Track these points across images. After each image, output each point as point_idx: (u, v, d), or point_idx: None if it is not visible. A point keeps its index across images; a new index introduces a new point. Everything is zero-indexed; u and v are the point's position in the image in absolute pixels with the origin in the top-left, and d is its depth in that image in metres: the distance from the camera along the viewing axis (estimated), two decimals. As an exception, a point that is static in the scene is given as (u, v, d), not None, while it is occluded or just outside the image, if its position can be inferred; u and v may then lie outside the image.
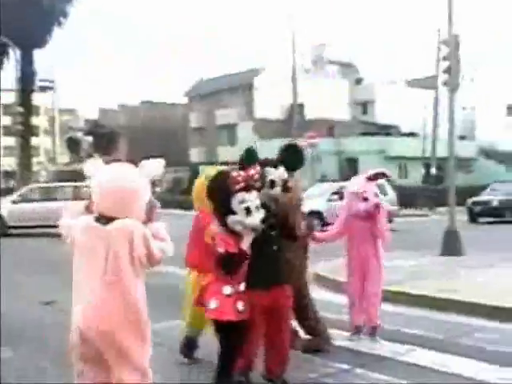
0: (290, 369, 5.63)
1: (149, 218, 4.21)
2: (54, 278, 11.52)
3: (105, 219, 4.07)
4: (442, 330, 7.66)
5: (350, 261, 7.39)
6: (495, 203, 28.60)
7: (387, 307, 8.03)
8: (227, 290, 5.02)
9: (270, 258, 5.30)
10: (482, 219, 28.26)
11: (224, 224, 5.04)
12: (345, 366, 6.19)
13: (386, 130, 52.17)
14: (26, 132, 34.82)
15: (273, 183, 5.35)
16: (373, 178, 7.32)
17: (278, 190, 5.35)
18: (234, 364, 5.16)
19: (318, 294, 10.17)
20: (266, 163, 5.41)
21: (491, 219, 28.01)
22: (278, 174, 5.40)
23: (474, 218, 28.35)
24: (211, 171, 5.72)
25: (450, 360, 6.37)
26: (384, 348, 6.86)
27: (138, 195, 4.12)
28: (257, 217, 4.98)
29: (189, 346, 6.40)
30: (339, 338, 7.23)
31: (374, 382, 5.76)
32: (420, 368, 6.14)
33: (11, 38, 31.11)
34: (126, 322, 4.05)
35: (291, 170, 5.64)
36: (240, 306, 5.05)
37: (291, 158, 5.65)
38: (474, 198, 29.18)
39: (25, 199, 23.30)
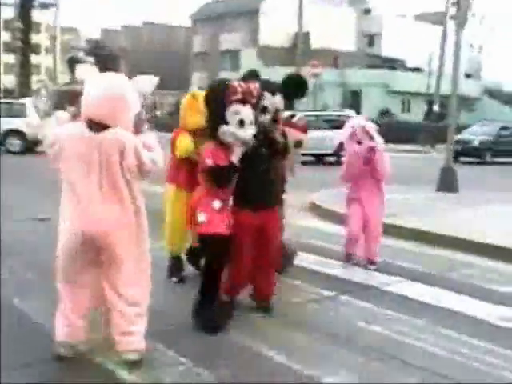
0: (274, 293, 5.69)
1: (137, 130, 4.25)
2: (40, 193, 11.52)
3: (96, 127, 4.11)
4: (431, 264, 7.68)
5: (352, 197, 7.44)
6: (476, 143, 27.22)
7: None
8: (217, 204, 5.00)
9: (260, 179, 5.27)
10: (463, 159, 26.60)
11: (214, 137, 4.99)
12: (330, 293, 6.23)
13: (392, 64, 51.52)
14: (25, 49, 34.29)
15: (265, 109, 5.32)
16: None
17: (267, 117, 5.34)
18: (218, 282, 5.15)
19: (310, 222, 10.29)
20: (266, 86, 5.33)
21: (471, 159, 27.03)
22: (273, 101, 5.39)
23: (455, 156, 26.90)
24: (199, 92, 5.82)
25: (437, 293, 6.39)
26: (372, 278, 6.88)
27: (128, 105, 4.17)
28: (249, 130, 4.95)
29: (176, 266, 6.44)
30: (328, 266, 7.31)
31: (357, 309, 5.80)
32: (406, 299, 6.17)
33: None
34: (120, 226, 4.18)
35: (291, 100, 5.67)
36: (228, 220, 5.07)
37: (293, 87, 5.65)
38: (456, 137, 27.60)
39: None
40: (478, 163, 26.91)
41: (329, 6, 58.40)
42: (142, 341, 4.35)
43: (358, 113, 29.55)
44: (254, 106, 5.07)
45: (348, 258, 7.48)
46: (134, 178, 4.22)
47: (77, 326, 4.32)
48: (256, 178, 5.22)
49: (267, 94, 5.32)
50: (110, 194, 4.14)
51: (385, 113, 42.89)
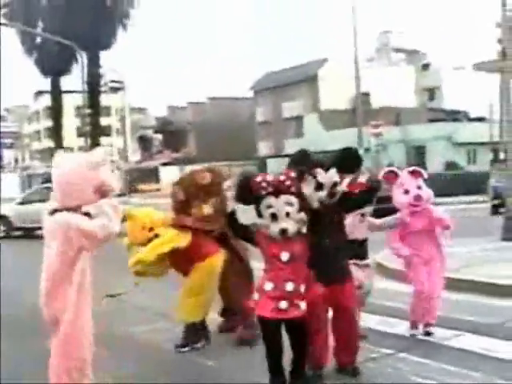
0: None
1: (103, 196, 4.72)
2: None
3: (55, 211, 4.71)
4: (489, 315, 7.68)
5: (412, 257, 6.94)
6: None
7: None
8: (268, 286, 5.07)
9: (324, 254, 5.34)
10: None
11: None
12: (388, 351, 6.38)
13: (454, 116, 51.25)
14: (93, 132, 36.23)
15: (320, 186, 5.32)
16: (415, 172, 7.02)
17: (324, 193, 5.33)
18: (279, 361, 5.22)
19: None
20: (318, 164, 5.43)
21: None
22: (328, 176, 5.37)
23: (496, 209, 23.51)
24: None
25: (495, 345, 6.45)
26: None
27: (78, 185, 4.64)
28: (283, 224, 4.99)
29: (192, 332, 6.74)
30: (389, 324, 7.47)
31: (414, 365, 5.92)
32: (463, 352, 6.26)
33: (77, 42, 32.12)
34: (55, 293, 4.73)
35: (346, 172, 5.67)
36: (283, 304, 4.99)
37: (347, 160, 5.62)
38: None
39: (29, 201, 22.36)
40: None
41: (387, 65, 58.92)
42: None
43: (425, 168, 29.33)
44: (298, 194, 5.12)
45: (413, 326, 7.05)
46: (86, 246, 4.64)
47: None
48: (319, 254, 5.29)
49: (320, 171, 5.36)
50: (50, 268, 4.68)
51: (450, 166, 42.50)
